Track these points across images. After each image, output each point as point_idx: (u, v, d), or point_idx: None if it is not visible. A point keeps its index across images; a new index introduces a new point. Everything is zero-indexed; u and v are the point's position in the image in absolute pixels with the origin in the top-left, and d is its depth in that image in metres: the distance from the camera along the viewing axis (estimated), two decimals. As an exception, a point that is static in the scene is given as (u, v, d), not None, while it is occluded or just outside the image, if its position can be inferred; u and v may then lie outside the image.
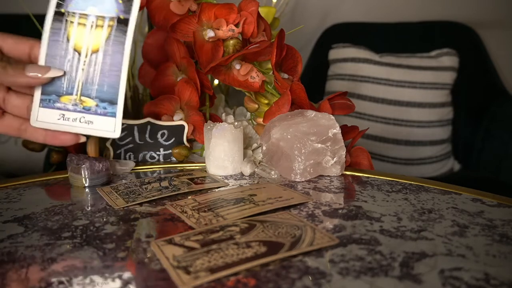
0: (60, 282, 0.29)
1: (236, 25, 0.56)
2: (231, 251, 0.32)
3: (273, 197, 0.44)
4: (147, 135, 0.59)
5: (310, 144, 0.50)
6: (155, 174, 0.55)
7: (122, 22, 0.43)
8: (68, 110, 0.43)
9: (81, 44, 0.43)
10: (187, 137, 0.59)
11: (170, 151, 0.60)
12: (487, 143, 1.28)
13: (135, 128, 0.58)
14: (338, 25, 1.48)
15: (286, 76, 0.59)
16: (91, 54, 0.43)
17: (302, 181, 0.50)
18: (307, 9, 1.54)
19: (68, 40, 0.43)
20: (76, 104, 0.43)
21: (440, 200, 0.44)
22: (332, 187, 0.48)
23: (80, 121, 0.44)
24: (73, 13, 0.43)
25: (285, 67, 0.61)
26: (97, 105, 0.44)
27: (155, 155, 0.60)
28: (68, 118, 0.43)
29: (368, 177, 0.52)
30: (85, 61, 0.43)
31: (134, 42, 0.77)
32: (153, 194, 0.45)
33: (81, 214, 0.41)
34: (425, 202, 0.43)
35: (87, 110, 0.44)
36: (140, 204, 0.43)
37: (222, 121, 0.59)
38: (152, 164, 0.59)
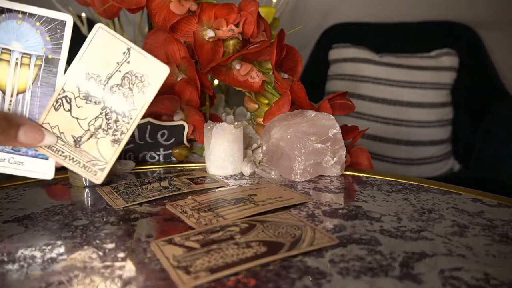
0: (60, 282, 0.29)
1: (236, 25, 0.56)
2: (231, 251, 0.32)
3: (273, 197, 0.44)
4: (147, 135, 0.59)
5: (310, 144, 0.50)
6: (155, 174, 0.55)
7: (51, 63, 0.40)
8: None
9: (5, 82, 0.39)
10: (187, 137, 0.59)
11: (170, 151, 0.60)
12: (487, 143, 1.28)
13: (135, 128, 0.58)
14: (338, 25, 1.48)
15: (286, 76, 0.59)
16: (17, 94, 0.40)
17: (302, 181, 0.50)
18: (307, 9, 1.54)
19: None
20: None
21: (440, 200, 0.44)
22: (332, 187, 0.48)
23: (9, 162, 0.41)
24: None
25: (285, 67, 0.61)
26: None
27: (155, 155, 0.60)
28: None
29: (368, 177, 0.52)
30: (10, 101, 0.40)
31: (134, 42, 0.77)
32: (153, 194, 0.45)
33: (81, 214, 0.41)
34: (425, 202, 0.43)
35: (16, 151, 0.41)
36: (140, 204, 0.43)
37: (222, 121, 0.59)
38: (152, 164, 0.59)
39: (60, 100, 0.40)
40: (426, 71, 1.28)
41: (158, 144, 0.59)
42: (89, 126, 0.41)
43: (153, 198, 0.45)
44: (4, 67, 0.40)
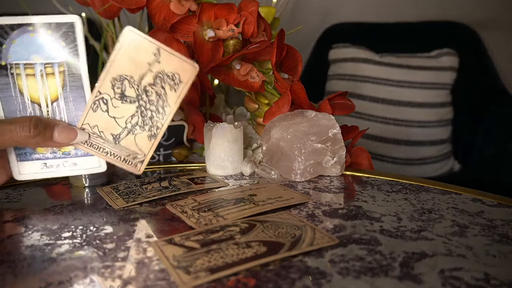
0: (60, 282, 0.29)
1: (236, 25, 0.56)
2: (231, 251, 0.32)
3: (273, 197, 0.44)
4: (147, 135, 0.59)
5: (310, 144, 0.50)
6: (155, 174, 0.55)
7: (73, 66, 0.41)
8: (48, 158, 0.43)
9: (37, 95, 0.41)
10: (187, 137, 0.59)
11: (170, 151, 0.60)
12: (487, 143, 1.28)
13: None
14: (339, 25, 1.48)
15: (286, 76, 0.59)
16: (51, 104, 0.42)
17: (302, 181, 0.50)
18: (307, 9, 1.54)
19: (21, 93, 0.41)
20: (54, 152, 0.43)
21: (440, 200, 0.44)
22: (332, 187, 0.48)
23: (64, 166, 0.44)
24: (17, 64, 0.40)
25: (285, 67, 0.61)
26: (75, 148, 0.43)
27: (155, 155, 0.60)
28: (51, 165, 0.43)
29: (368, 177, 0.52)
30: (48, 111, 0.42)
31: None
32: (153, 194, 0.45)
33: (81, 214, 0.41)
34: (425, 202, 0.43)
35: (67, 155, 0.43)
36: (140, 204, 0.43)
37: (222, 121, 0.59)
38: (152, 164, 0.59)
39: (97, 102, 0.42)
40: (426, 71, 1.28)
41: (158, 144, 0.59)
42: (126, 124, 0.43)
43: (153, 198, 0.45)
44: (32, 81, 0.41)
